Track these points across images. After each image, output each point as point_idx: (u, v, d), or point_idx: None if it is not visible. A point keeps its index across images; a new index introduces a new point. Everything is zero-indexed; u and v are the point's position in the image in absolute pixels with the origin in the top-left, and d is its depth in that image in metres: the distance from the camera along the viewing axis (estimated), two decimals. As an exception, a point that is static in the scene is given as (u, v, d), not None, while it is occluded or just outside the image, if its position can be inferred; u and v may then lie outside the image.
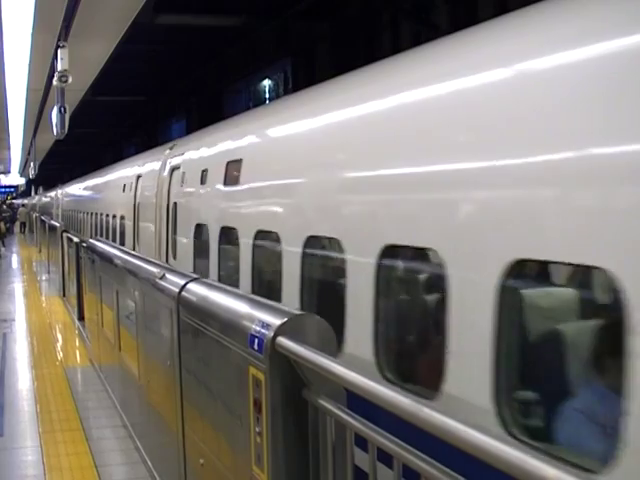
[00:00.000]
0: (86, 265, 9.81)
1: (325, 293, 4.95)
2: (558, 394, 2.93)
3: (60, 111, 11.05)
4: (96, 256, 8.31)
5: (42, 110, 17.66)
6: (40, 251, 24.95)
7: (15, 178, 55.95)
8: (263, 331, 2.99)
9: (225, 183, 6.88)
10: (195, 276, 4.51)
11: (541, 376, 3.16)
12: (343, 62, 11.51)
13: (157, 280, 4.90)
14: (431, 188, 3.60)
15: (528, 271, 3.07)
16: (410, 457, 2.21)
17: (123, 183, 13.53)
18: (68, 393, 7.95)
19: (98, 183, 19.35)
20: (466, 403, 3.16)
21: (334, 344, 3.03)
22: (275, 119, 6.66)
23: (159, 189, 9.97)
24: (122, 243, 12.71)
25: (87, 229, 19.31)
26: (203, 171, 7.71)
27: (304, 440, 2.90)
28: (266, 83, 18.08)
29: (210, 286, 4.28)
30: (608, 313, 2.76)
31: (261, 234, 5.84)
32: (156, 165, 10.56)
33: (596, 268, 2.64)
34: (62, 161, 44.32)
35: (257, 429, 3.05)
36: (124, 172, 14.39)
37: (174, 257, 9.02)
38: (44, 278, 19.58)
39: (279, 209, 5.85)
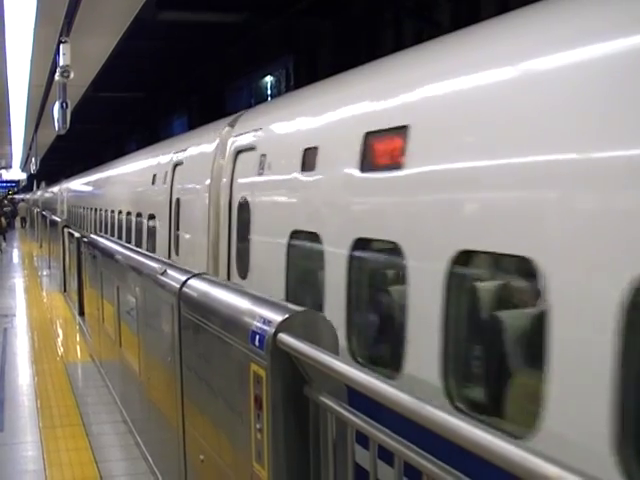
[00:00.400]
0: (87, 260, 9.81)
1: None
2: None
3: (62, 106, 11.04)
4: (97, 251, 8.31)
5: (44, 105, 17.66)
6: (41, 246, 24.96)
7: (17, 173, 55.98)
8: (264, 327, 2.99)
9: (362, 168, 4.28)
10: (196, 272, 4.50)
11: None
12: (345, 59, 11.51)
13: (158, 276, 4.90)
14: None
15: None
16: (411, 455, 2.21)
17: (152, 173, 10.62)
18: (68, 388, 7.95)
19: (113, 175, 16.47)
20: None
21: (336, 341, 3.03)
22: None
23: (213, 181, 7.34)
24: (150, 249, 10.02)
25: (97, 228, 17.08)
26: (307, 150, 5.06)
27: (305, 437, 2.90)
28: (268, 80, 18.07)
29: (211, 282, 4.27)
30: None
31: (466, 258, 3.33)
32: (206, 148, 7.97)
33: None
34: (63, 157, 44.32)
35: (258, 426, 3.05)
36: (152, 160, 11.41)
37: (243, 276, 6.38)
38: (45, 273, 19.60)
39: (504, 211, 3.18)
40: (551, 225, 2.84)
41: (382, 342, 4.29)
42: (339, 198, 4.66)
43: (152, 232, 10.38)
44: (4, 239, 29.84)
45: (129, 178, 13.97)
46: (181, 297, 4.29)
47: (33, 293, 16.15)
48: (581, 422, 2.62)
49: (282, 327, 2.91)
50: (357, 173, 4.33)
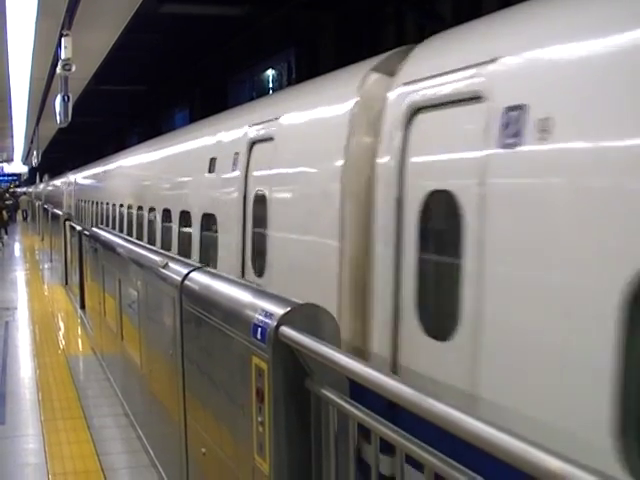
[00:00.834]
0: (89, 254, 9.81)
1: None
2: None
3: (64, 99, 11.05)
4: (99, 245, 8.30)
5: (45, 98, 17.66)
6: (43, 239, 24.97)
7: (18, 166, 56.02)
8: (266, 320, 2.99)
9: None
10: (198, 265, 4.49)
11: None
12: (347, 52, 11.49)
13: (160, 269, 4.89)
14: None
15: None
16: (413, 447, 2.20)
17: (209, 157, 7.51)
18: (70, 381, 7.96)
19: (142, 163, 12.95)
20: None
21: (337, 334, 3.02)
22: None
23: (349, 164, 4.43)
24: (204, 260, 7.36)
25: (117, 228, 13.98)
26: None
27: (306, 430, 2.90)
28: (270, 73, 18.04)
29: (213, 275, 4.27)
30: None
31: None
32: (329, 112, 5.08)
33: None
34: (65, 150, 44.34)
35: (259, 419, 3.05)
36: (208, 139, 8.12)
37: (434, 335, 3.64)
38: (46, 266, 19.62)
39: None
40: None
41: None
42: None
43: (208, 240, 7.53)
44: (6, 232, 29.87)
45: (165, 165, 10.75)
46: (183, 290, 4.29)
47: (34, 286, 16.16)
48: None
49: (284, 320, 2.91)
50: None
